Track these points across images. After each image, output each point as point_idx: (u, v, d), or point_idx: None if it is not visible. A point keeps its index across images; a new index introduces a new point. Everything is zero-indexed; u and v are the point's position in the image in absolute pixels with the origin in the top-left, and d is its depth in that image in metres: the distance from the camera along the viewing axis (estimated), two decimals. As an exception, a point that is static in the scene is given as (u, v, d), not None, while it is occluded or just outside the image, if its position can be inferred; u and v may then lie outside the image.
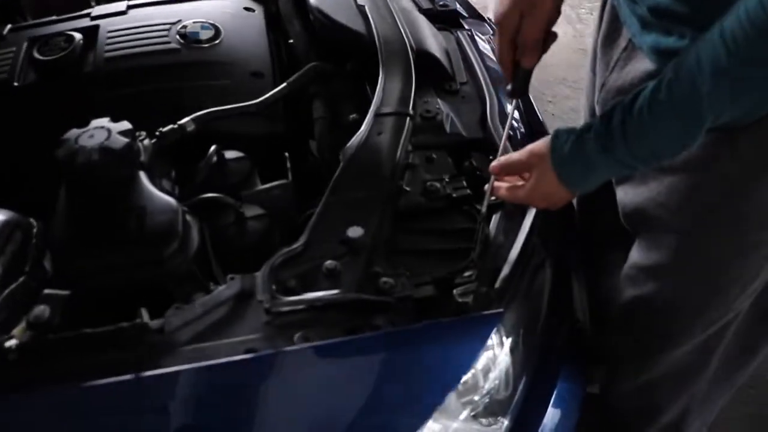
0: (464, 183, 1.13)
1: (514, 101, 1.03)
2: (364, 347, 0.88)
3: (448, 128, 1.25)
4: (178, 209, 1.00)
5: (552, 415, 1.03)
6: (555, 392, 1.05)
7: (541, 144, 0.90)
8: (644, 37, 0.88)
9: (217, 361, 0.81)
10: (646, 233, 1.02)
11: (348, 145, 1.13)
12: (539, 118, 1.39)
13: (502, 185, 0.99)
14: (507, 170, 0.97)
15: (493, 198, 1.04)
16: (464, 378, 0.91)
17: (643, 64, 0.92)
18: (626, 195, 1.03)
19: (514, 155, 0.95)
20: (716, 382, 1.14)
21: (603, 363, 1.26)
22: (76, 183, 1.02)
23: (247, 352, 0.85)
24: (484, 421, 0.98)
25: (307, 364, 0.86)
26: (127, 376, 0.78)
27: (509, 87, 1.00)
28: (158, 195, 1.01)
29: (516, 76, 0.97)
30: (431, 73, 1.38)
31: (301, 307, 0.90)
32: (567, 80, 3.00)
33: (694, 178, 0.91)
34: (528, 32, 0.91)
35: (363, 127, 1.16)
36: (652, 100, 0.77)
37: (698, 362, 1.09)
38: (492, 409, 0.98)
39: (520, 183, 0.96)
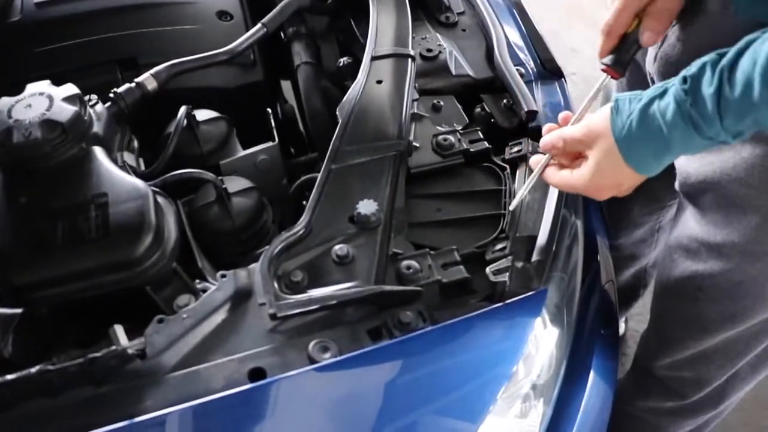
0: (480, 134, 1.01)
1: (606, 79, 0.82)
2: (394, 353, 0.73)
3: (453, 69, 1.12)
4: (147, 193, 0.80)
5: (589, 394, 0.91)
6: (591, 370, 0.93)
7: (599, 117, 0.73)
8: None
9: (217, 396, 0.65)
10: (713, 208, 0.87)
11: (345, 98, 0.96)
12: (551, 55, 1.21)
13: (549, 169, 0.81)
14: (556, 149, 0.79)
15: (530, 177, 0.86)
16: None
17: None
18: (690, 163, 0.88)
19: (567, 130, 0.78)
20: None
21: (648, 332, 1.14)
22: (13, 168, 0.84)
23: (252, 373, 0.69)
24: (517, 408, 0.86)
25: (328, 381, 0.71)
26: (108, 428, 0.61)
27: (608, 59, 0.81)
28: (121, 176, 0.82)
29: (621, 48, 0.80)
30: (423, 4, 1.23)
31: (312, 307, 0.74)
32: None
33: None
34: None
35: (360, 75, 1.01)
36: None
37: (759, 336, 0.99)
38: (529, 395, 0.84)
39: (570, 167, 0.79)
